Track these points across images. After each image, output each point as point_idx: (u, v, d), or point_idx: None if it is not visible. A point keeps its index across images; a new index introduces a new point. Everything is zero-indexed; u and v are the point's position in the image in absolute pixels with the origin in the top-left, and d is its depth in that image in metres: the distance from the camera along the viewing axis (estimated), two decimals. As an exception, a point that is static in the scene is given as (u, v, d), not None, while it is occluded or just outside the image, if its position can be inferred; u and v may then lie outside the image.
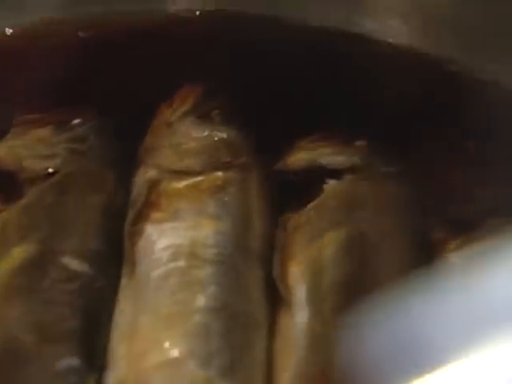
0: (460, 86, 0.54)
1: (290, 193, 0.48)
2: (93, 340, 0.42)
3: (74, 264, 0.44)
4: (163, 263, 0.43)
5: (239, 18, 0.57)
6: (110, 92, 0.52)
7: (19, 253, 0.43)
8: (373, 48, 0.56)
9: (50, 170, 0.47)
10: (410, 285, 0.35)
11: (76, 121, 0.50)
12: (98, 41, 0.55)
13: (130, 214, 0.46)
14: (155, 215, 0.45)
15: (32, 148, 0.48)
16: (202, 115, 0.49)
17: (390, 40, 0.57)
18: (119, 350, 0.42)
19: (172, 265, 0.43)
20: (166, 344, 0.40)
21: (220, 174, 0.47)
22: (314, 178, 0.48)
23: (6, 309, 0.41)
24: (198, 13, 0.58)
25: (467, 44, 0.55)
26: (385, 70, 0.54)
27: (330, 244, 0.45)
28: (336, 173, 0.48)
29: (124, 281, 0.44)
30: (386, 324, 0.34)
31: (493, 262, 0.33)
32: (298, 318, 0.42)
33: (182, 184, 0.46)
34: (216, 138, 0.48)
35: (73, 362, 0.41)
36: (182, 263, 0.43)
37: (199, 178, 0.46)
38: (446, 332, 0.33)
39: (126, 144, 0.49)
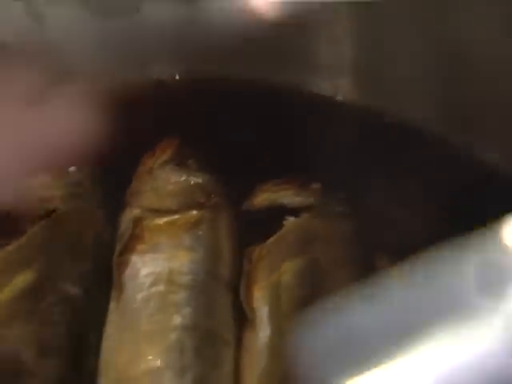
0: (399, 135, 0.56)
1: (255, 228, 0.50)
2: (84, 355, 0.45)
3: (68, 288, 0.46)
4: (145, 288, 0.46)
5: (211, 82, 0.58)
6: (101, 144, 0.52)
7: (20, 281, 0.46)
8: (322, 104, 0.58)
9: (50, 210, 0.49)
10: (354, 299, 0.36)
11: (72, 168, 0.52)
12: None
13: (118, 246, 0.48)
14: (139, 247, 0.48)
15: (35, 191, 0.50)
16: (179, 163, 0.52)
17: (338, 97, 0.58)
18: (107, 363, 0.45)
19: (153, 289, 0.46)
20: (147, 357, 0.43)
21: (194, 212, 0.49)
22: (276, 215, 0.50)
23: (9, 328, 0.44)
24: (177, 77, 0.59)
25: (405, 96, 0.57)
26: (334, 124, 0.55)
27: (287, 272, 0.47)
28: (294, 211, 0.50)
29: (112, 304, 0.46)
30: (332, 331, 0.36)
31: (424, 277, 0.36)
32: (261, 335, 0.45)
33: (161, 221, 0.49)
34: (191, 182, 0.51)
35: (67, 373, 0.43)
36: (161, 288, 0.46)
37: (176, 216, 0.49)
38: (385, 336, 0.34)
39: (114, 188, 0.52)
